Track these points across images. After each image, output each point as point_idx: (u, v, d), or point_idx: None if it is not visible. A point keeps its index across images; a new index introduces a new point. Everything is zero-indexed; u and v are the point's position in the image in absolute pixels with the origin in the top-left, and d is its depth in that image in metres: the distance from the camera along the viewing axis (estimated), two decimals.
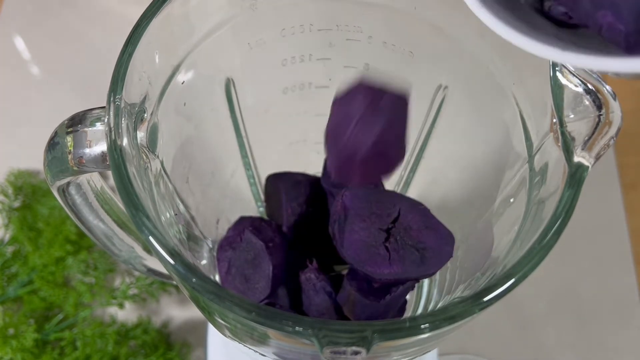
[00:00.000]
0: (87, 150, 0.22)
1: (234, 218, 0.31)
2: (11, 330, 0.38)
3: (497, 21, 0.16)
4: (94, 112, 0.22)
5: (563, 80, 0.21)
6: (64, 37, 0.54)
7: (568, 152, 0.20)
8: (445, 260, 0.24)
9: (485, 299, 0.18)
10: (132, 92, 0.21)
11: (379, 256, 0.23)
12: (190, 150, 0.28)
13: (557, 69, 0.21)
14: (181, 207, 0.27)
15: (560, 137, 0.20)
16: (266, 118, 0.32)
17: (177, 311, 0.42)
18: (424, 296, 0.32)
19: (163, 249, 0.19)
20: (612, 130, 0.20)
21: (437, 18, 0.26)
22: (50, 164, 0.23)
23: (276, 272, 0.26)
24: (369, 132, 0.21)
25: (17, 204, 0.44)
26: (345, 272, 0.26)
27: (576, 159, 0.20)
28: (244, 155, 0.32)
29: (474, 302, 0.18)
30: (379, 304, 0.24)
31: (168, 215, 0.25)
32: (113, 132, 0.20)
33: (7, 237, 0.43)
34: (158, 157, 0.24)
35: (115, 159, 0.20)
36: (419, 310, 0.32)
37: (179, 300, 0.42)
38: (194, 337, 0.41)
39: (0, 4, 0.55)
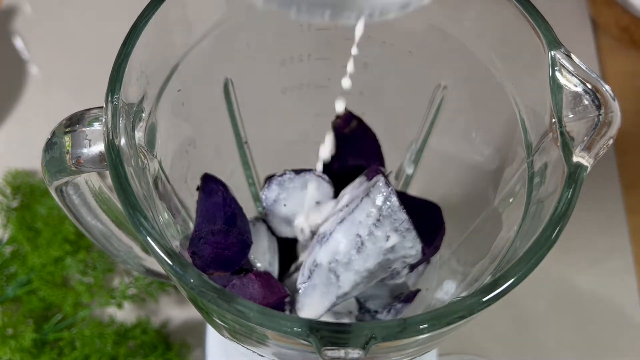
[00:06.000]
0: (85, 150, 0.22)
1: None
2: (10, 330, 0.38)
3: None
4: (92, 112, 0.22)
5: (562, 80, 0.20)
6: (64, 37, 0.54)
7: (567, 152, 0.20)
8: None
9: (484, 299, 0.18)
10: (130, 92, 0.21)
11: None
12: (189, 151, 0.28)
13: (555, 68, 0.21)
14: (179, 207, 0.27)
15: (559, 137, 0.20)
16: (265, 118, 0.32)
17: (176, 311, 0.42)
18: None
19: (161, 250, 0.19)
20: (612, 131, 0.20)
21: (437, 18, 0.26)
22: (48, 164, 0.23)
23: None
24: None
25: (15, 203, 0.44)
26: None
27: (575, 158, 0.20)
28: (243, 155, 0.32)
29: (473, 302, 0.18)
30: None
31: (166, 215, 0.25)
32: (111, 132, 0.20)
33: (6, 237, 0.43)
34: (156, 157, 0.24)
35: (112, 159, 0.20)
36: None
37: (178, 301, 0.42)
38: (193, 337, 0.41)
39: (0, 3, 0.55)
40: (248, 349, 0.24)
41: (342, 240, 0.25)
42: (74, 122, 0.22)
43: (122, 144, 0.20)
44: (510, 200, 0.25)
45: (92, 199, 0.26)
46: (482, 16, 0.24)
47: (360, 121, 0.30)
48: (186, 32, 0.25)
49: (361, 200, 0.25)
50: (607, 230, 0.45)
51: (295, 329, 0.17)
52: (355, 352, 0.17)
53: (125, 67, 0.21)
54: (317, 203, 0.28)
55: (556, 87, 0.21)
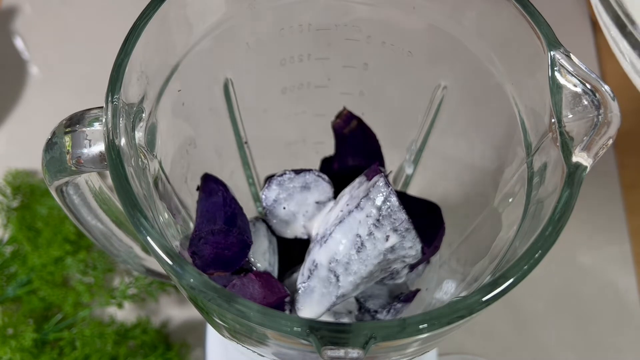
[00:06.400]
0: (85, 151, 0.22)
1: None
2: (10, 330, 0.38)
3: None
4: (92, 112, 0.22)
5: (562, 80, 0.20)
6: (64, 37, 0.54)
7: (566, 152, 0.20)
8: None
9: (484, 298, 0.18)
10: (130, 92, 0.21)
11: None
12: (189, 151, 0.28)
13: (555, 69, 0.21)
14: (179, 207, 0.27)
15: (558, 137, 0.20)
16: (265, 118, 0.32)
17: (176, 311, 0.42)
18: None
19: (161, 250, 0.19)
20: (611, 131, 0.20)
21: (436, 18, 0.26)
22: (49, 164, 0.23)
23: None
24: None
25: (15, 203, 0.44)
26: None
27: (574, 159, 0.20)
28: (243, 155, 0.32)
29: (473, 302, 0.18)
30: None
31: (166, 215, 0.25)
32: (111, 132, 0.20)
33: (6, 237, 0.43)
34: (156, 157, 0.24)
35: (112, 159, 0.20)
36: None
37: (178, 300, 0.42)
38: (193, 337, 0.41)
39: (0, 3, 0.55)
40: (248, 348, 0.24)
41: (342, 240, 0.25)
42: (74, 122, 0.22)
43: (122, 144, 0.20)
44: (510, 200, 0.25)
45: (92, 199, 0.26)
46: (482, 16, 0.24)
47: (360, 121, 0.30)
48: (186, 32, 0.25)
49: (361, 201, 0.25)
50: (607, 230, 0.45)
51: (295, 328, 0.17)
52: (355, 352, 0.17)
53: (126, 67, 0.21)
54: (317, 203, 0.28)
55: (556, 88, 0.21)
